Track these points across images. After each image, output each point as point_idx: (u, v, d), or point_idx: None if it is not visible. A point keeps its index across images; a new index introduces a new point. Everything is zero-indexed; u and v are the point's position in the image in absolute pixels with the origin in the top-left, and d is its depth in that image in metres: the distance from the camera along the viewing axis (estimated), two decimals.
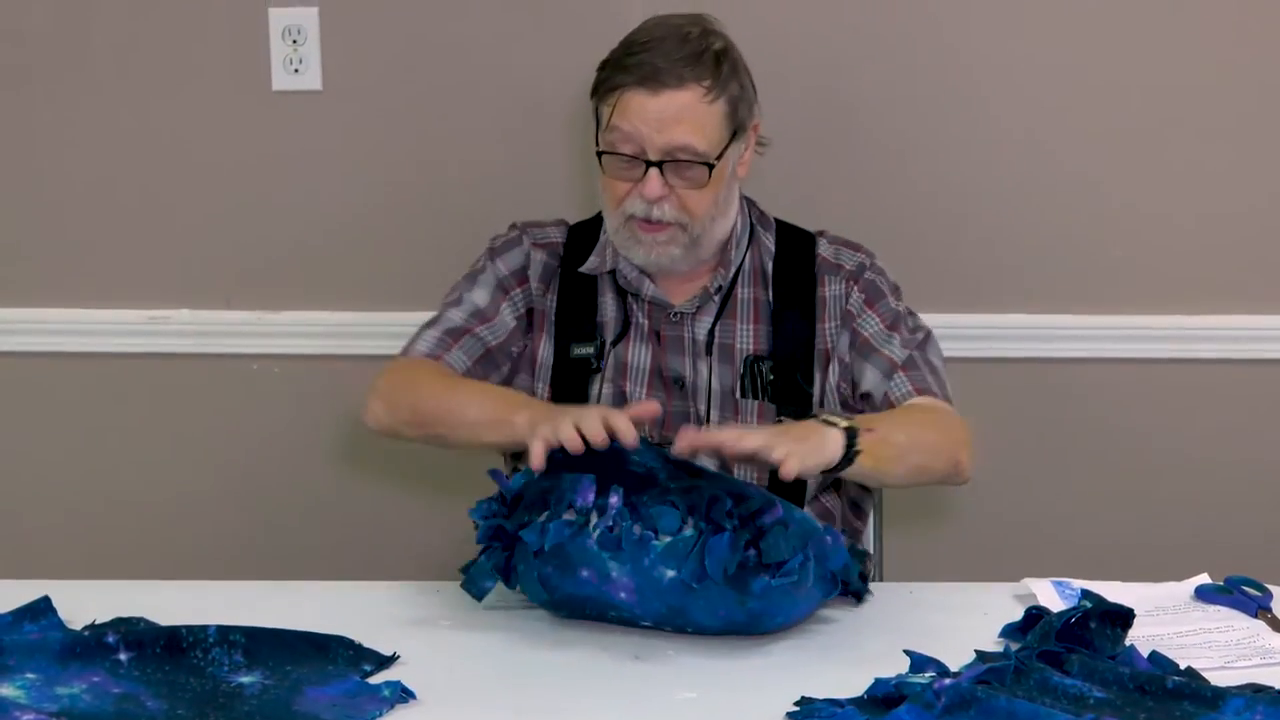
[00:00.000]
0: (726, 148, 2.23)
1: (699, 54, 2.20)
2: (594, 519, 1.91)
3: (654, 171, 2.20)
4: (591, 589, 1.91)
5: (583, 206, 2.66)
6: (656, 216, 2.22)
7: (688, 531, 1.88)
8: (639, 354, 2.32)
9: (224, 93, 2.82)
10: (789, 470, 1.93)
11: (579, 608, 1.95)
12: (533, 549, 1.91)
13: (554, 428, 1.96)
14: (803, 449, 1.97)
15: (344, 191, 2.84)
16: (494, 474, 2.03)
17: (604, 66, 2.25)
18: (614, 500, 1.91)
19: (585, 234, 2.38)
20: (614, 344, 2.32)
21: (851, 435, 2.03)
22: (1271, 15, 2.74)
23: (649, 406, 2.06)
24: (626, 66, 2.20)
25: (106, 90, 2.82)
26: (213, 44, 2.80)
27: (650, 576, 1.88)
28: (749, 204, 2.39)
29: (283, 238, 2.86)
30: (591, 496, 1.92)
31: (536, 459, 1.95)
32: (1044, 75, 2.76)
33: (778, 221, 2.40)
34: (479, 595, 1.99)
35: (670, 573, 1.87)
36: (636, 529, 1.89)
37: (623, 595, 1.90)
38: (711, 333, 2.31)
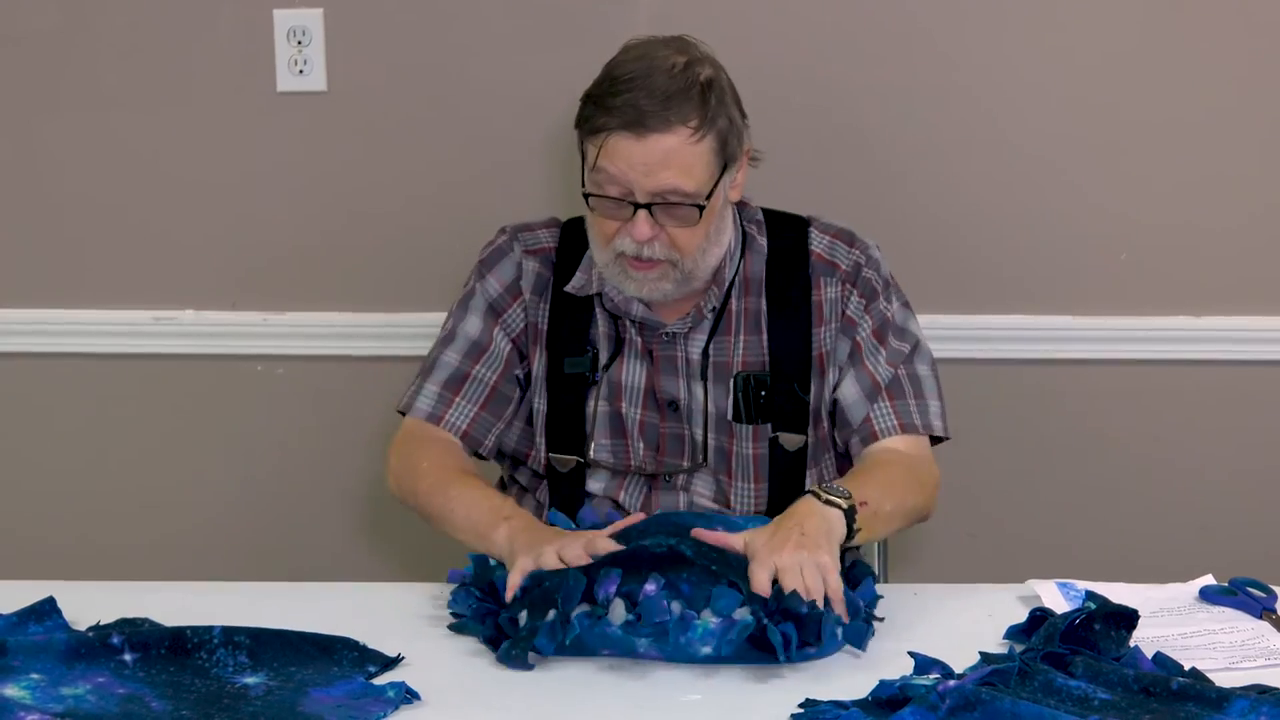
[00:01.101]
0: (717, 183, 2.19)
1: (685, 90, 2.14)
2: (617, 608, 1.87)
3: (643, 214, 2.16)
4: (617, 649, 1.88)
5: (583, 208, 2.66)
6: (647, 255, 2.18)
7: (746, 617, 1.85)
8: (633, 373, 2.29)
9: (229, 94, 2.82)
10: (832, 588, 1.91)
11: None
12: (548, 652, 1.86)
13: (535, 559, 1.94)
14: (818, 559, 1.92)
15: (348, 193, 2.84)
16: (474, 560, 2.01)
17: (587, 100, 2.19)
18: (651, 588, 1.87)
19: (578, 235, 2.32)
20: (607, 365, 2.29)
21: (851, 516, 2.02)
22: (1275, 19, 2.73)
23: (627, 523, 2.03)
24: (610, 108, 2.15)
25: (111, 91, 2.83)
26: (217, 45, 2.80)
27: (685, 653, 1.86)
28: (739, 208, 2.34)
29: (287, 239, 2.86)
30: (614, 589, 1.88)
31: (510, 590, 1.92)
32: (1048, 77, 2.76)
33: (766, 213, 2.36)
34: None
35: (706, 649, 1.85)
36: (676, 607, 1.87)
37: (652, 656, 1.88)
38: (705, 353, 2.28)
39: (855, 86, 2.77)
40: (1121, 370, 2.82)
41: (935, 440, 2.30)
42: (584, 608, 1.87)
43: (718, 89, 2.19)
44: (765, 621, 1.83)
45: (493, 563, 2.00)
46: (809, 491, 2.04)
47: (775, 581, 1.88)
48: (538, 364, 2.31)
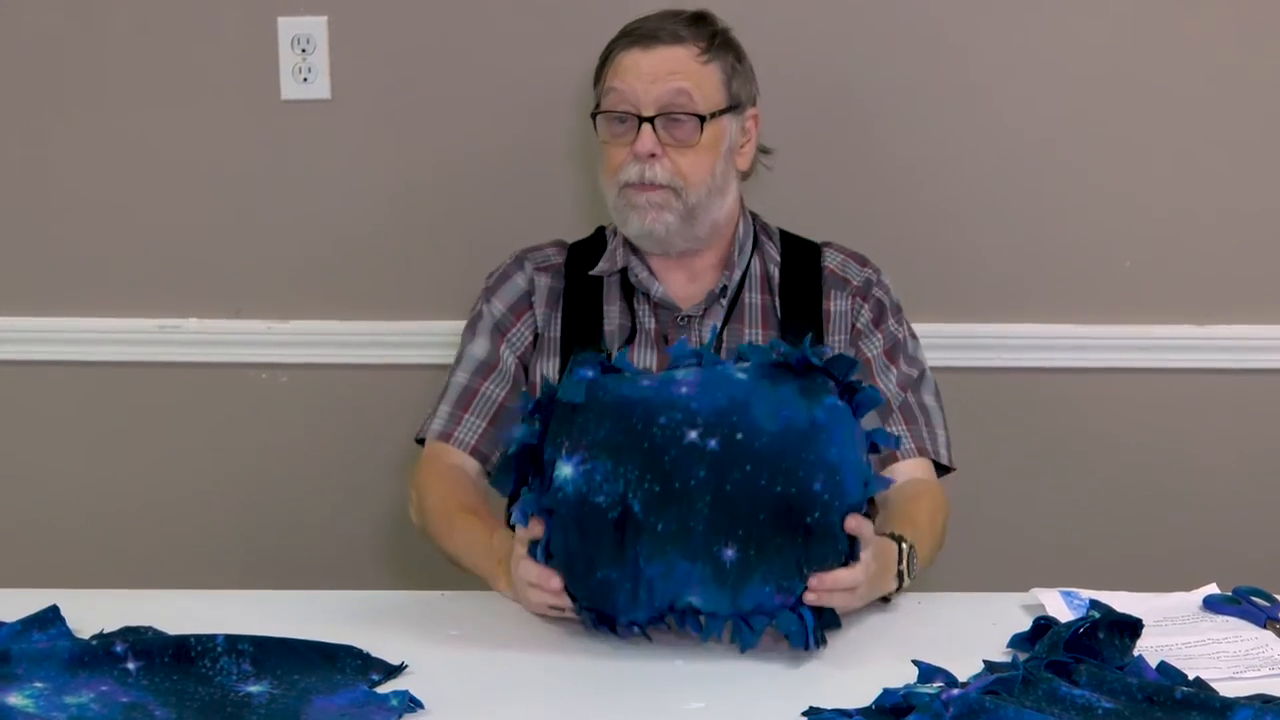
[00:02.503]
0: (721, 113, 2.25)
1: (695, 24, 2.26)
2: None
3: (646, 126, 2.22)
4: (649, 392, 1.86)
5: (589, 215, 2.66)
6: (649, 178, 2.23)
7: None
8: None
9: (233, 102, 2.82)
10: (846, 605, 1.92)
11: (625, 418, 1.85)
12: (594, 364, 1.88)
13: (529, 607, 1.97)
14: (867, 592, 1.95)
15: (352, 200, 2.84)
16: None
17: (603, 51, 2.30)
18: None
19: (585, 251, 2.39)
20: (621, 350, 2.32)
21: (900, 582, 2.04)
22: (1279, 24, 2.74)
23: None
24: (622, 35, 2.27)
25: (115, 99, 2.83)
26: (222, 53, 2.81)
27: (720, 374, 1.86)
28: (752, 215, 2.39)
29: (291, 247, 2.86)
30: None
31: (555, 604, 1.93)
32: (1053, 84, 2.76)
33: (782, 232, 2.40)
34: (514, 448, 1.91)
35: (742, 375, 1.86)
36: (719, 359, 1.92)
37: (684, 390, 1.85)
38: (720, 338, 2.31)
39: (860, 94, 2.77)
40: (1125, 378, 2.82)
41: (940, 471, 2.34)
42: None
43: (728, 40, 2.29)
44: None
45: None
46: (899, 543, 2.05)
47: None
48: (545, 369, 2.33)
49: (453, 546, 2.21)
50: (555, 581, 1.90)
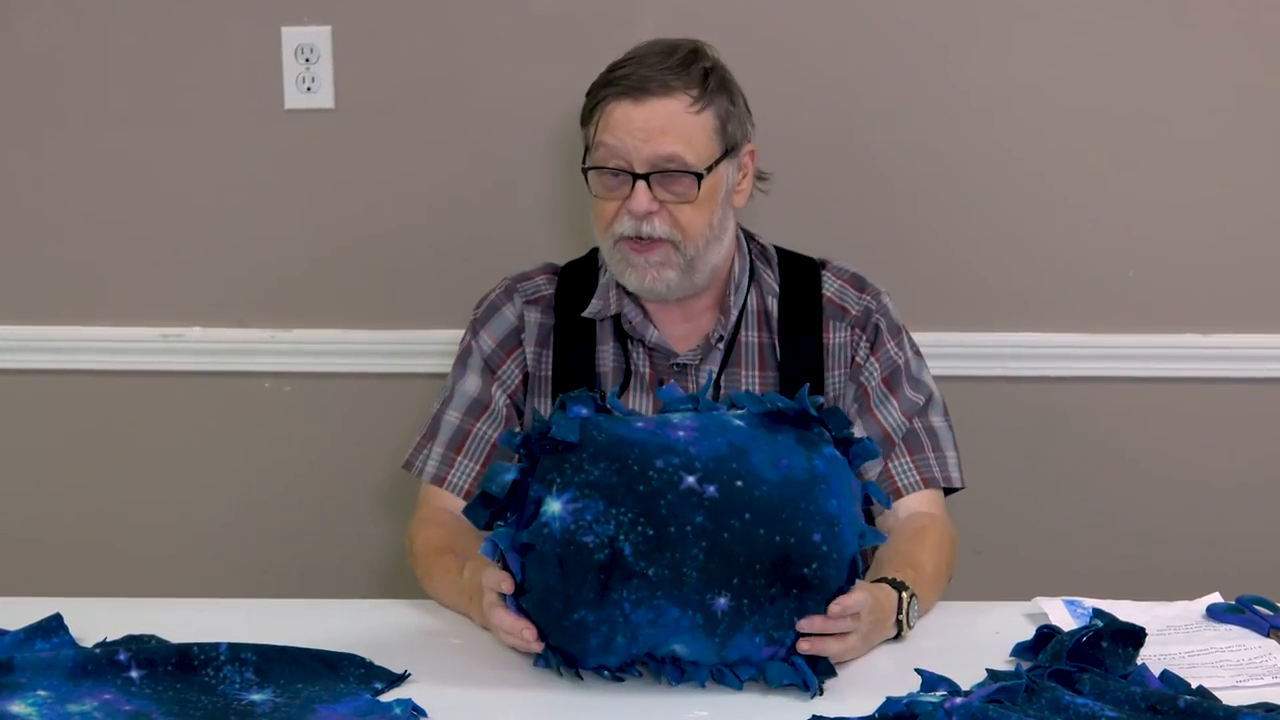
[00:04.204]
0: (717, 163, 2.18)
1: (685, 65, 2.17)
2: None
3: (641, 184, 2.15)
4: (645, 435, 1.83)
5: (588, 227, 2.66)
6: (646, 233, 2.17)
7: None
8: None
9: (236, 111, 2.82)
10: (845, 655, 1.89)
11: (621, 459, 1.81)
12: (588, 402, 1.86)
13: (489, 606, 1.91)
14: (862, 645, 1.91)
15: (355, 210, 2.84)
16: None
17: (591, 90, 2.22)
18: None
19: (578, 276, 2.33)
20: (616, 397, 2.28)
21: (900, 630, 1.99)
22: None
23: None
24: (611, 80, 2.18)
25: (119, 108, 2.83)
26: (226, 62, 2.81)
27: (718, 419, 1.85)
28: (748, 238, 2.34)
29: (295, 256, 2.86)
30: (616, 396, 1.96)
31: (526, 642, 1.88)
32: (1055, 95, 2.76)
33: (779, 251, 2.35)
34: (499, 490, 1.85)
35: (739, 422, 1.84)
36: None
37: (681, 434, 1.83)
38: (717, 384, 2.27)
39: (861, 105, 2.77)
40: (1129, 388, 2.82)
41: (948, 490, 2.30)
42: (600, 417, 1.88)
43: (719, 76, 2.21)
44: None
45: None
46: (900, 590, 1.99)
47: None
48: (543, 410, 2.28)
49: (432, 589, 2.17)
50: (529, 633, 1.84)
